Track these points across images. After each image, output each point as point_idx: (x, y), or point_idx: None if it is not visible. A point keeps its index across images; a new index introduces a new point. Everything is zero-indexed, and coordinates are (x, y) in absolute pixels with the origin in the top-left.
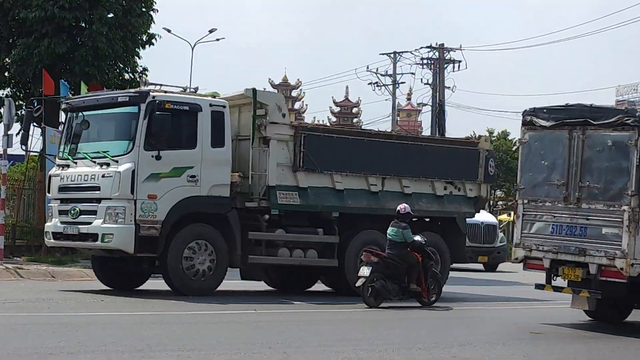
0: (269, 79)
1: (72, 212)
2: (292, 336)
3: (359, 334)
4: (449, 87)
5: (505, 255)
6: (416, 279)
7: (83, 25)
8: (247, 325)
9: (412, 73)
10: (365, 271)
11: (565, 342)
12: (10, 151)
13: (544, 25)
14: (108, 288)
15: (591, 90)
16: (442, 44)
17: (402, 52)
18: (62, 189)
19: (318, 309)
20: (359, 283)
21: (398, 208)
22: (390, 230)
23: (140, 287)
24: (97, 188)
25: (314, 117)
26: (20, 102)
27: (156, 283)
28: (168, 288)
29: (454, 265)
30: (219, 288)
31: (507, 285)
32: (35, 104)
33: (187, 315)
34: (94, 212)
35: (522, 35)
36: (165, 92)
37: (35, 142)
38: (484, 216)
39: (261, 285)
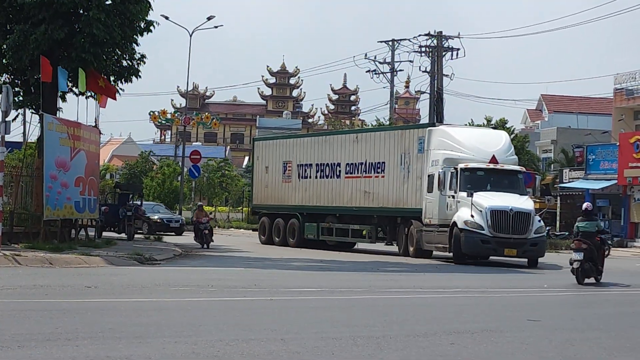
0: (268, 67)
1: None
2: (290, 322)
3: (356, 320)
4: (447, 75)
5: (543, 249)
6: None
7: (80, 11)
8: (243, 311)
9: (411, 61)
10: (578, 256)
11: (564, 330)
12: (8, 138)
13: (543, 13)
14: (104, 274)
15: (590, 79)
16: (441, 32)
17: (401, 39)
18: None
19: (313, 295)
20: (575, 265)
21: (585, 206)
22: (581, 223)
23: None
24: None
25: (312, 105)
26: (18, 89)
27: (156, 270)
28: (166, 273)
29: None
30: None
31: None
32: None
33: (184, 302)
34: None
35: (521, 23)
36: None
37: (33, 129)
38: (515, 200)
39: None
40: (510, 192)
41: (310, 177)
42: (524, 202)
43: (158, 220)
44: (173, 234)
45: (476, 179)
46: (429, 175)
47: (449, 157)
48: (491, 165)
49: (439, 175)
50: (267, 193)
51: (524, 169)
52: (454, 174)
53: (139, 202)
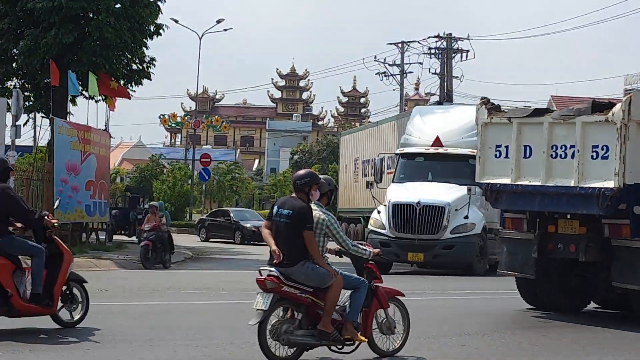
0: (277, 69)
1: None
2: None
3: None
4: (456, 77)
5: (465, 254)
6: None
7: (90, 15)
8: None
9: (420, 63)
10: None
11: (573, 330)
12: (18, 142)
13: (553, 14)
14: (114, 278)
15: (599, 79)
16: (450, 34)
17: (410, 41)
18: None
19: None
20: None
21: None
22: None
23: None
24: None
25: (322, 107)
26: (28, 93)
27: (167, 273)
28: (177, 279)
29: None
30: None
31: None
32: None
33: (195, 305)
34: None
35: (531, 24)
36: None
37: (44, 133)
38: (441, 192)
39: None
40: (452, 182)
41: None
42: (447, 194)
43: (254, 229)
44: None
45: (416, 166)
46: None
47: (402, 142)
48: (431, 149)
49: (374, 164)
50: (343, 195)
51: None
52: (395, 162)
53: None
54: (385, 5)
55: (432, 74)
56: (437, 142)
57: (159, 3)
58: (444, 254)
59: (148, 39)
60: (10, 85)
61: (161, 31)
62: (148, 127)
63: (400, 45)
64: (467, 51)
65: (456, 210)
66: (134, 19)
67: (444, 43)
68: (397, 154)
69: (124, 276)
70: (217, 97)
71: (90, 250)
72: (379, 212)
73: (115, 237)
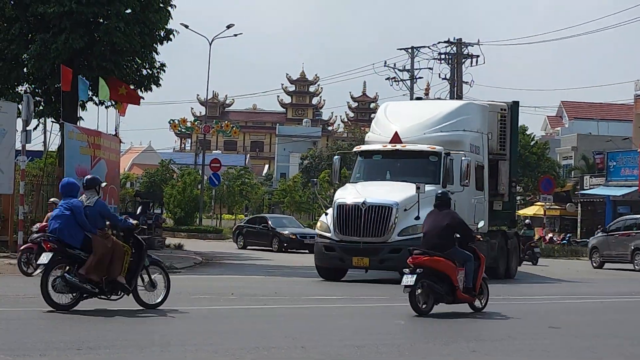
0: (287, 75)
1: None
2: (312, 330)
3: (378, 328)
4: (466, 82)
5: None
6: None
7: (101, 20)
8: (264, 319)
9: (430, 68)
10: None
11: (584, 336)
12: (28, 147)
13: (563, 19)
14: None
15: (610, 85)
16: (460, 39)
17: (420, 47)
18: None
19: (334, 303)
20: None
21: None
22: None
23: None
24: None
25: (332, 113)
26: (39, 98)
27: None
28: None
29: None
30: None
31: None
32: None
33: (205, 310)
34: None
35: (541, 29)
36: None
37: (54, 138)
38: (374, 192)
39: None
40: (412, 181)
41: None
42: (397, 194)
43: (292, 236)
44: (307, 251)
45: (373, 165)
46: None
47: (365, 140)
48: (389, 146)
49: (333, 163)
50: None
51: (438, 149)
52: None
53: (159, 211)
54: (395, 10)
55: (442, 79)
56: (396, 138)
57: (169, 8)
58: (390, 257)
59: (158, 44)
60: (21, 90)
61: (171, 36)
62: (158, 132)
63: (410, 50)
64: (477, 56)
65: (405, 210)
66: (144, 24)
67: (454, 48)
68: (354, 152)
69: None
70: (227, 102)
71: None
72: (326, 214)
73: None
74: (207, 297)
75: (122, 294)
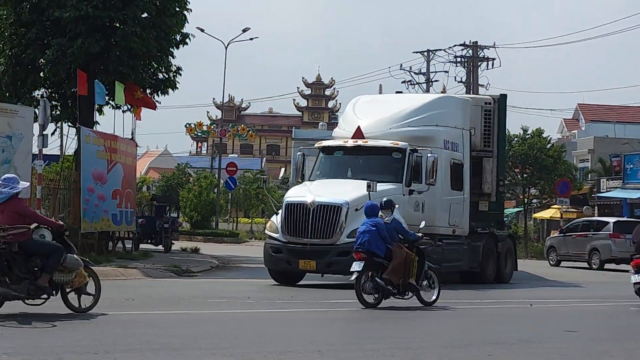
0: (303, 78)
1: None
2: (328, 334)
3: (392, 332)
4: (482, 85)
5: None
6: None
7: (117, 25)
8: (280, 323)
9: (446, 71)
10: None
11: (600, 340)
12: (45, 151)
13: (579, 21)
14: (141, 287)
15: (627, 87)
16: (476, 42)
17: (436, 50)
18: None
19: (355, 307)
20: None
21: None
22: None
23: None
24: None
25: None
26: (55, 102)
27: (193, 282)
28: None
29: None
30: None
31: None
32: None
33: (222, 314)
34: None
35: (557, 32)
36: None
37: (70, 142)
38: (325, 191)
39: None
40: (375, 178)
41: None
42: (348, 192)
43: None
44: None
45: (334, 162)
46: None
47: (332, 135)
48: (350, 142)
49: (296, 160)
50: None
51: (401, 145)
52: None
53: (175, 215)
54: (411, 14)
55: (458, 82)
56: (358, 133)
57: (185, 12)
58: (338, 261)
59: (174, 48)
60: (38, 94)
61: (187, 40)
62: (174, 136)
63: (426, 53)
64: (493, 59)
65: (357, 210)
66: (160, 29)
67: (470, 51)
68: (317, 148)
69: (150, 285)
70: (243, 105)
71: (116, 259)
72: (277, 214)
73: (141, 245)
74: (224, 301)
75: (411, 294)
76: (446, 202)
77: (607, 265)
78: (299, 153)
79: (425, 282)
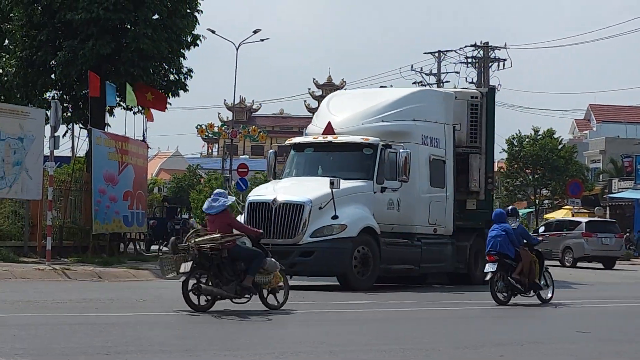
0: (314, 79)
1: None
2: (339, 335)
3: (404, 333)
4: (493, 86)
5: (332, 261)
6: None
7: (128, 26)
8: (292, 324)
9: (457, 72)
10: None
11: (613, 340)
12: (57, 152)
13: (590, 22)
14: (152, 288)
15: (637, 88)
16: (487, 43)
17: (447, 51)
18: None
19: (366, 308)
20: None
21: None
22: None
23: None
24: None
25: None
26: (66, 104)
27: None
28: None
29: None
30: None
31: None
32: None
33: (235, 314)
34: None
35: (568, 32)
36: None
37: (82, 143)
38: (289, 188)
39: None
40: (345, 175)
41: None
42: (312, 190)
43: None
44: None
45: (305, 159)
46: None
47: (305, 132)
48: (320, 138)
49: (268, 158)
50: None
51: (372, 140)
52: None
53: (187, 216)
54: (422, 14)
55: (469, 83)
56: (329, 129)
57: (196, 14)
58: (301, 262)
59: (185, 49)
60: (49, 96)
61: (198, 42)
62: (185, 138)
63: (436, 54)
64: (504, 60)
65: (320, 209)
66: (171, 30)
67: (481, 52)
68: (287, 145)
69: (161, 286)
70: (254, 107)
71: (128, 261)
72: (241, 214)
73: (153, 247)
74: (236, 303)
75: (533, 292)
76: (425, 199)
77: (579, 264)
78: (271, 151)
79: (542, 282)
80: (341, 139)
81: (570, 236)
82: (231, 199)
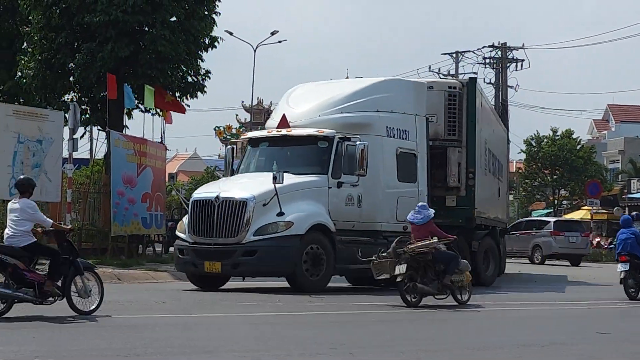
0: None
1: None
2: (357, 336)
3: (420, 334)
4: (511, 87)
5: (274, 261)
6: None
7: (146, 29)
8: (311, 325)
9: (475, 73)
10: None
11: (633, 342)
12: (75, 155)
13: (608, 22)
14: (171, 290)
15: None
16: (505, 43)
17: (465, 51)
18: None
19: (382, 309)
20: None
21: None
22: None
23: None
24: None
25: None
26: (85, 106)
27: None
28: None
29: None
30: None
31: None
32: None
33: (252, 316)
34: None
35: (586, 33)
36: None
37: (100, 146)
38: (234, 185)
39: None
40: (301, 170)
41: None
42: (257, 186)
43: None
44: None
45: (260, 154)
46: None
47: (266, 127)
48: (274, 132)
49: (225, 154)
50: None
51: (327, 133)
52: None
53: None
54: (439, 15)
55: (487, 83)
56: (284, 122)
57: (213, 16)
58: (244, 261)
59: (203, 51)
60: (67, 99)
61: (216, 44)
62: (203, 139)
63: (454, 55)
64: (522, 60)
65: (264, 205)
66: (189, 32)
67: (499, 52)
68: (243, 140)
69: (181, 288)
70: (272, 108)
71: (147, 262)
72: (188, 213)
73: (171, 249)
74: (254, 304)
75: None
76: (392, 195)
77: (547, 261)
78: (228, 147)
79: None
80: (295, 132)
81: (540, 235)
82: (431, 210)
